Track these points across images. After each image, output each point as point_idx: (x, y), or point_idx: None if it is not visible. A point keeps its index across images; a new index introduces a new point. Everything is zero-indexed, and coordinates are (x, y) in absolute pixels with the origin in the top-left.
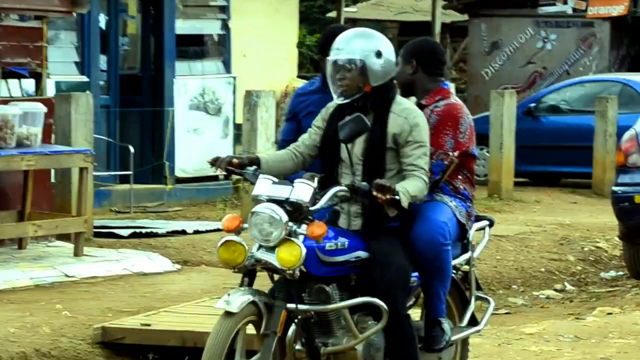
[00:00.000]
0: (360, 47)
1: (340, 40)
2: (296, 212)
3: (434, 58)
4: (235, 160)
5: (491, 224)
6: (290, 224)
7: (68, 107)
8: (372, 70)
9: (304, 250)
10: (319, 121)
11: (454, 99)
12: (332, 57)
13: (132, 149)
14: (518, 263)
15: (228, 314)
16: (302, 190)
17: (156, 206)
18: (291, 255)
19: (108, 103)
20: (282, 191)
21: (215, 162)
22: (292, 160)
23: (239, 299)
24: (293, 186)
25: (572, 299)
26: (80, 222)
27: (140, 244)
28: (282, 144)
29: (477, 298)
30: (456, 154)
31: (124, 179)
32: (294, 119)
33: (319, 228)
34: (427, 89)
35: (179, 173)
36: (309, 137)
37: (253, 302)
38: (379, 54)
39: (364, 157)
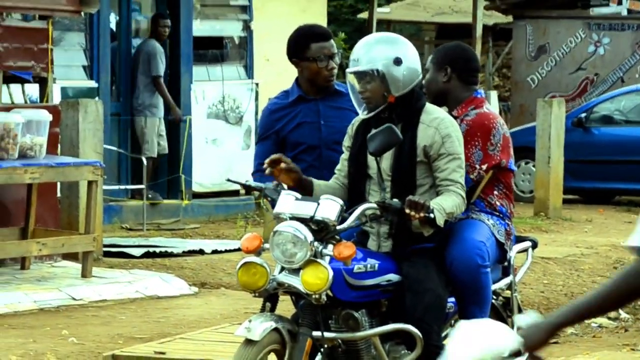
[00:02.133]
0: (378, 55)
1: (357, 50)
2: (322, 231)
3: (469, 65)
4: (283, 165)
5: (534, 245)
6: (316, 244)
7: (75, 115)
8: (393, 79)
9: (331, 273)
10: (347, 140)
11: (487, 108)
12: (349, 69)
13: (145, 161)
14: (567, 288)
15: (249, 342)
16: (329, 207)
17: (171, 223)
18: (317, 278)
19: (119, 110)
20: (307, 208)
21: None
22: (341, 189)
23: (260, 326)
24: (318, 203)
25: (627, 327)
26: (89, 241)
27: (154, 264)
28: (260, 167)
29: None
30: (484, 167)
31: (136, 194)
32: (270, 139)
33: (347, 248)
34: (460, 98)
35: (196, 187)
36: (342, 165)
37: (276, 330)
38: (398, 61)
39: (392, 172)
